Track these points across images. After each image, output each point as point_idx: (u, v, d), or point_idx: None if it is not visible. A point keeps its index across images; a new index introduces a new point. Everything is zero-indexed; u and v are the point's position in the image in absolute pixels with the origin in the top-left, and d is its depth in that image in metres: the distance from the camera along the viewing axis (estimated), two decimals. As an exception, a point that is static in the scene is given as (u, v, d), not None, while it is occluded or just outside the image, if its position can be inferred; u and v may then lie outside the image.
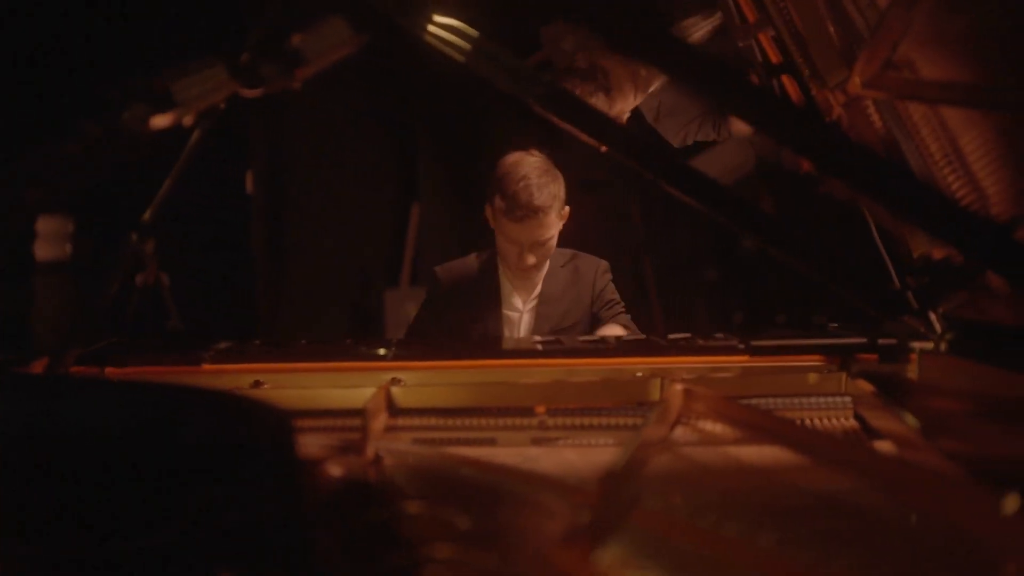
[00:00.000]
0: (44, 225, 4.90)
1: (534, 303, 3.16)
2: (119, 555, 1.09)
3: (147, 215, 1.86)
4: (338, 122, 5.40)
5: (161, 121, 1.46)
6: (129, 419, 1.27)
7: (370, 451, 1.64)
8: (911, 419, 1.59)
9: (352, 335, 5.38)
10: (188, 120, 1.49)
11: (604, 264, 3.23)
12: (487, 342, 2.87)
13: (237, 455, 1.19)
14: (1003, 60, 1.61)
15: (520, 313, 3.16)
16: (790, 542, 1.21)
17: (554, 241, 3.06)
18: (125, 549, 1.09)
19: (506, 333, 3.12)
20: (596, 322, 3.14)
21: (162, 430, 1.25)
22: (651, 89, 3.38)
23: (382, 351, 2.14)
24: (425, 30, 1.64)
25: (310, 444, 1.73)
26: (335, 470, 1.52)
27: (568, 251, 3.22)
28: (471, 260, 3.25)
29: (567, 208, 3.08)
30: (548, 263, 3.17)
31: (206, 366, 2.09)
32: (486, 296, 3.15)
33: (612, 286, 3.23)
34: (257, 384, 2.05)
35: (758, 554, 1.16)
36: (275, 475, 1.15)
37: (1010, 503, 1.10)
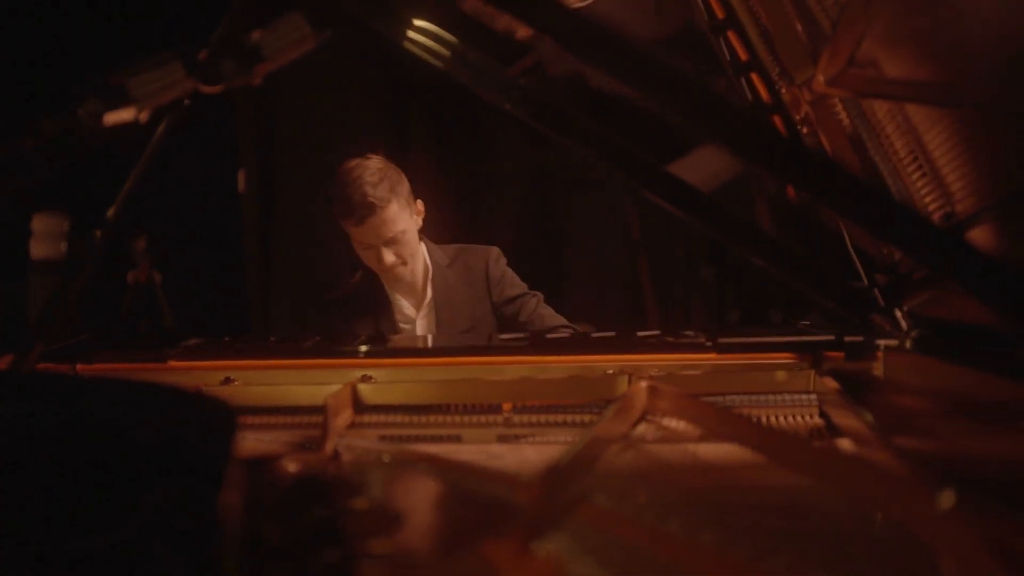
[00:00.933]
0: (39, 223, 4.90)
1: (427, 311, 3.10)
2: (58, 557, 1.09)
3: (111, 212, 1.85)
4: (330, 120, 5.40)
5: (116, 117, 1.46)
6: (73, 415, 1.27)
7: (329, 447, 1.64)
8: (867, 416, 1.59)
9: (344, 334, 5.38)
10: (144, 116, 1.49)
11: (495, 251, 3.16)
12: (459, 340, 2.89)
13: (183, 451, 1.19)
14: (964, 58, 1.61)
15: (413, 322, 3.10)
16: (729, 539, 1.20)
17: (410, 236, 3.00)
18: (66, 550, 1.09)
19: None
20: (501, 319, 3.08)
21: (109, 426, 1.25)
22: None
23: (352, 348, 2.14)
24: (405, 36, 1.64)
25: (272, 440, 1.75)
26: (292, 466, 1.52)
27: (452, 247, 3.18)
28: (356, 278, 3.20)
29: (420, 203, 3.07)
30: (430, 265, 3.12)
31: (175, 363, 2.08)
32: (376, 310, 3.10)
33: (511, 274, 3.15)
34: (227, 381, 2.05)
35: (695, 551, 1.16)
36: (218, 470, 1.15)
37: (945, 499, 1.10)
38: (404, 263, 3.01)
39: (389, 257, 2.96)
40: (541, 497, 1.25)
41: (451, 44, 1.65)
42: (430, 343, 2.73)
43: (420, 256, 3.11)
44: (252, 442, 1.74)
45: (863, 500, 1.32)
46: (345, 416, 1.85)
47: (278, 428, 1.86)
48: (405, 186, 3.00)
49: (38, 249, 4.98)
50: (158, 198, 5.13)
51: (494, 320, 3.08)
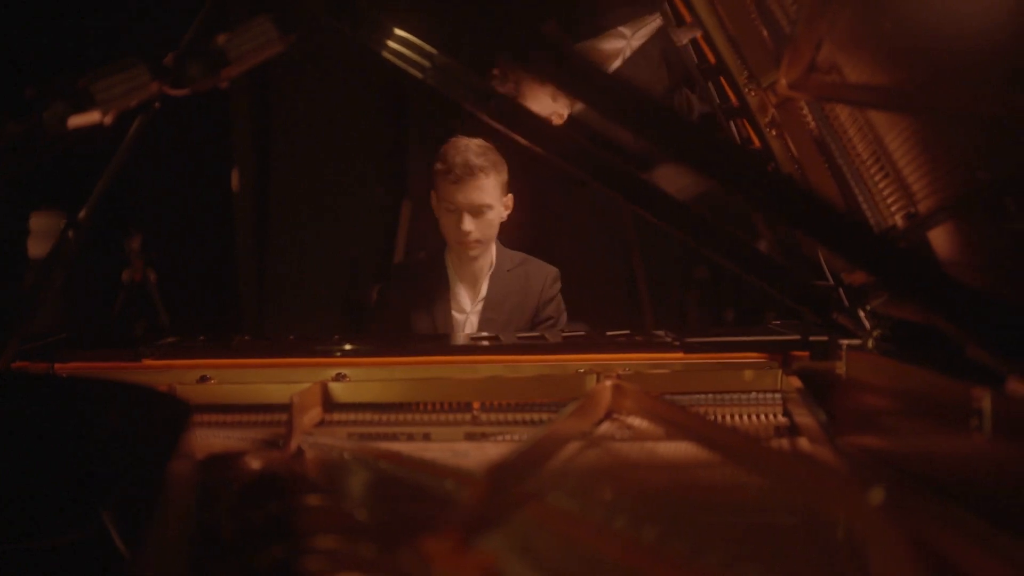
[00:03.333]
0: (37, 222, 4.94)
1: (480, 306, 3.23)
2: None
3: (83, 214, 1.87)
4: (326, 118, 5.42)
5: (80, 120, 1.48)
6: (31, 415, 1.30)
7: (293, 445, 1.67)
8: (821, 414, 1.62)
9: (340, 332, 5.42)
10: (109, 120, 1.52)
11: (554, 272, 3.30)
12: (432, 339, 2.96)
13: (134, 449, 1.22)
14: (921, 63, 1.63)
15: (467, 315, 3.24)
16: (673, 535, 1.23)
17: (492, 217, 3.16)
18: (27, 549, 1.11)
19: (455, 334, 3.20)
20: (533, 329, 3.19)
21: (66, 425, 1.28)
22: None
23: (328, 347, 2.16)
24: (385, 46, 1.67)
25: (241, 438, 1.77)
26: (255, 463, 1.55)
27: (519, 255, 3.32)
28: (422, 257, 3.37)
29: (511, 198, 3.24)
30: (495, 263, 3.25)
31: (150, 362, 2.11)
32: (437, 294, 3.23)
33: (560, 298, 3.31)
34: (204, 379, 2.07)
35: (636, 548, 1.18)
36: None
37: (875, 496, 1.12)
38: (479, 241, 3.17)
39: (468, 224, 3.11)
40: (485, 494, 1.28)
41: (430, 54, 1.68)
42: (403, 342, 2.78)
43: (491, 249, 3.28)
44: (222, 439, 1.77)
45: (805, 496, 1.34)
46: (313, 414, 1.87)
47: (252, 426, 1.88)
48: (504, 173, 3.19)
49: (36, 248, 5.02)
50: (153, 197, 5.19)
51: (529, 329, 3.20)
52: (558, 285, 3.29)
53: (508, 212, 3.24)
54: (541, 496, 1.34)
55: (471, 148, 3.13)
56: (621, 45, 3.69)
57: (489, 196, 3.13)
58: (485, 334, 2.46)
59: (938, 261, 1.63)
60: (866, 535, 1.16)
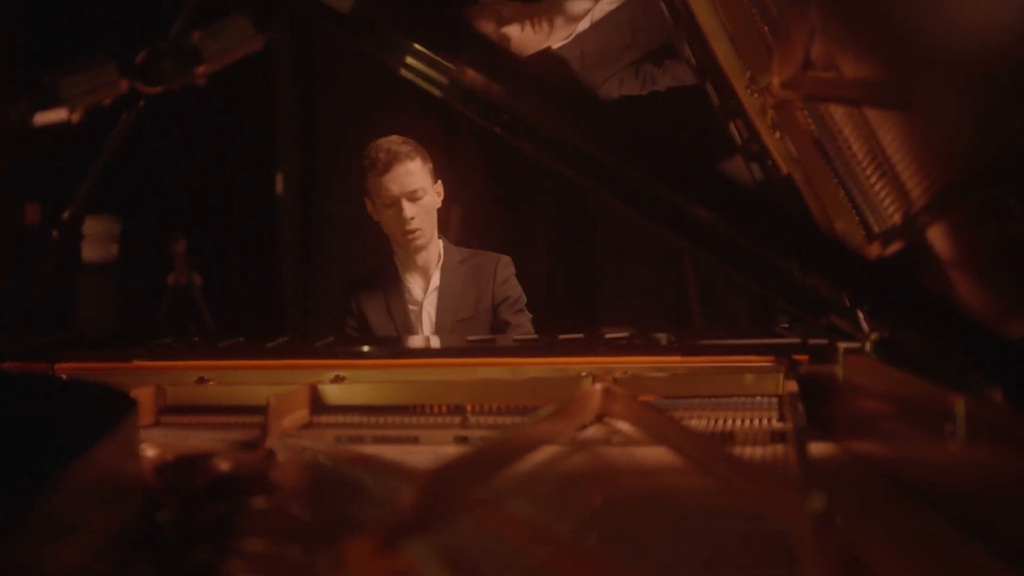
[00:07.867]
0: (90, 226, 5.01)
1: (433, 296, 3.34)
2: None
3: (67, 214, 1.88)
4: (371, 121, 5.43)
5: (46, 117, 1.48)
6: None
7: (267, 447, 1.65)
8: (800, 418, 1.58)
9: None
10: (76, 117, 1.51)
11: (505, 259, 3.40)
12: (428, 342, 3.02)
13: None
14: (917, 53, 1.58)
15: (420, 306, 3.35)
16: (614, 540, 1.19)
17: (428, 202, 3.32)
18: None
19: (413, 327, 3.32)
20: (496, 317, 3.29)
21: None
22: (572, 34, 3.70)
23: (319, 350, 2.16)
24: (402, 63, 1.67)
25: (221, 439, 1.76)
26: (223, 464, 1.54)
27: (468, 250, 3.45)
28: (372, 268, 3.53)
29: (441, 185, 3.37)
30: (443, 256, 3.38)
31: (141, 363, 2.11)
32: (391, 292, 3.36)
33: (515, 281, 3.39)
34: (202, 380, 2.07)
35: (573, 555, 1.14)
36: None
37: (815, 502, 1.08)
38: (422, 229, 3.30)
39: (409, 210, 3.25)
40: (422, 496, 1.24)
41: (446, 69, 1.68)
42: (405, 345, 2.78)
43: (436, 242, 3.41)
44: (202, 440, 1.75)
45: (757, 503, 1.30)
46: (296, 416, 1.85)
47: (237, 428, 1.86)
48: (428, 161, 3.36)
49: (89, 252, 5.09)
50: (198, 202, 5.24)
51: (487, 317, 3.31)
52: (511, 268, 3.39)
53: (442, 197, 3.38)
54: (493, 499, 1.31)
55: (391, 140, 3.29)
56: (589, 6, 3.73)
57: (419, 180, 3.28)
58: (482, 336, 2.43)
59: (917, 276, 1.59)
60: (801, 543, 1.12)
